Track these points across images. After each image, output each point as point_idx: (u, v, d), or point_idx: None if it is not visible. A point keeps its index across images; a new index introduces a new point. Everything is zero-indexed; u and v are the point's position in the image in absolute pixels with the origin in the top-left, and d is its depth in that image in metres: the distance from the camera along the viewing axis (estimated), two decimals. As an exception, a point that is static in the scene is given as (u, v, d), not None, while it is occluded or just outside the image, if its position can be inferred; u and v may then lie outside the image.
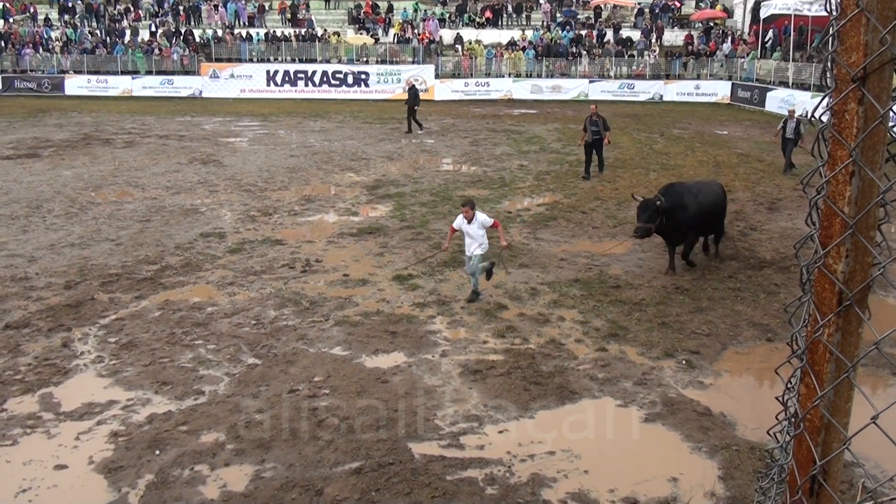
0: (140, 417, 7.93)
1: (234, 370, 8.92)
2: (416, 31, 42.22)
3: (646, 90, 37.84)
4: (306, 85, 38.90)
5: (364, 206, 16.66)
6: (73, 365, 9.14)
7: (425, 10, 43.89)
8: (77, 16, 44.98)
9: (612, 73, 39.11)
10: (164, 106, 34.55)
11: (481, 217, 11.12)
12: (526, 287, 11.52)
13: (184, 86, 39.01)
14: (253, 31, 42.28)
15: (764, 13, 36.19)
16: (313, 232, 14.55)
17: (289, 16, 44.23)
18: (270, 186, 18.25)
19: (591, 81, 38.18)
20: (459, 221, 11.09)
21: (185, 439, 7.50)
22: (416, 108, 26.35)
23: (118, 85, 39.19)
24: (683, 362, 9.17)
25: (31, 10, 46.94)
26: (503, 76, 39.15)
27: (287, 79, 38.95)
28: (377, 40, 41.99)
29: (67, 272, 12.26)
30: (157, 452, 7.28)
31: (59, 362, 9.20)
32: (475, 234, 10.94)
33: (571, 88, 38.02)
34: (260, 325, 10.10)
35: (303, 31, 42.19)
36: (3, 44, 41.63)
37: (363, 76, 37.50)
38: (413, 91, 26.62)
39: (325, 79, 38.90)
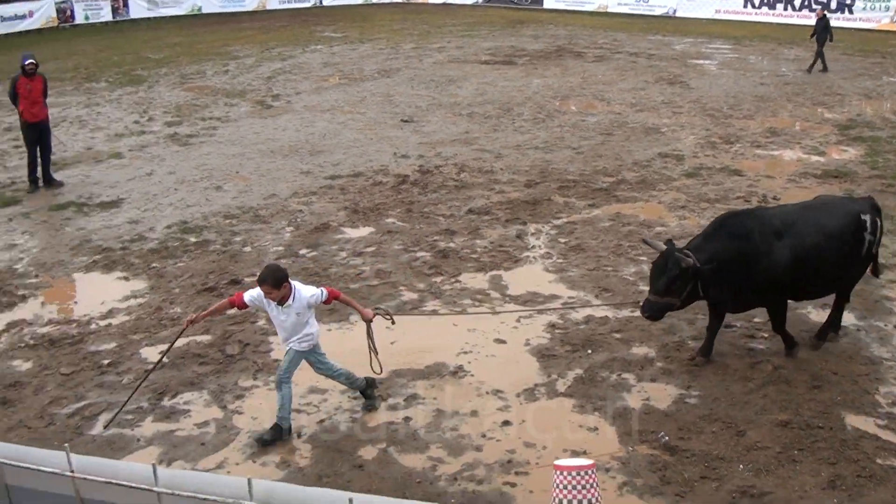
0: (578, 316, 8.34)
1: (673, 292, 8.90)
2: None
3: None
4: (785, 8, 36.14)
5: (832, 146, 15.23)
6: (524, 256, 9.86)
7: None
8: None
9: None
10: (636, 23, 34.69)
11: (306, 294, 6.31)
12: None
13: (659, 4, 38.63)
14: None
15: None
16: (773, 167, 13.71)
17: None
18: (735, 114, 17.52)
19: None
20: (256, 295, 6.35)
21: (617, 346, 7.74)
22: (825, 42, 22.57)
23: (594, 0, 40.19)
24: None
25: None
26: None
27: (765, 1, 36.63)
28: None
29: (529, 172, 13.15)
30: (589, 352, 7.62)
31: (512, 251, 9.99)
32: (289, 326, 6.36)
33: None
34: (705, 253, 9.90)
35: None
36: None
37: (848, 2, 33.71)
38: (822, 21, 22.79)
39: (806, 3, 35.84)
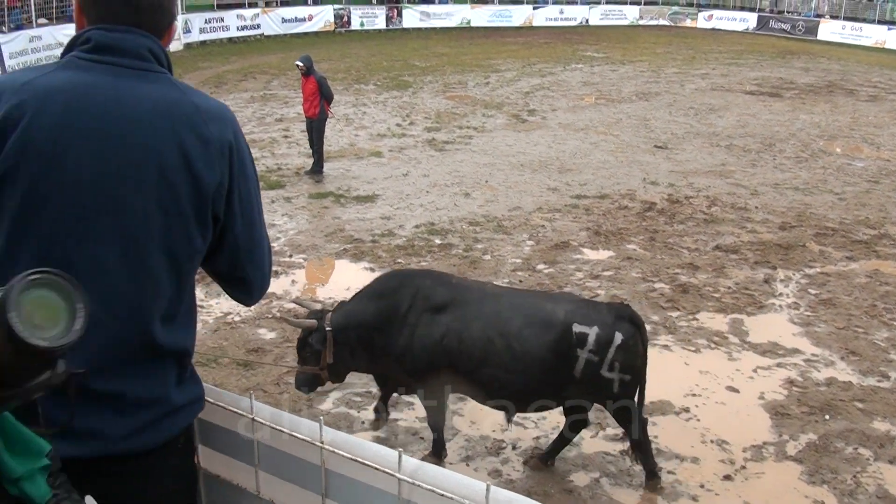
0: (819, 376, 7.81)
1: (928, 365, 8.12)
2: None
3: None
4: None
5: None
6: (769, 302, 9.38)
7: None
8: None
9: None
10: (917, 62, 31.83)
11: None
12: None
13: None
14: None
15: None
16: None
17: None
18: None
19: None
20: None
21: (857, 416, 7.16)
22: None
23: (872, 34, 37.13)
24: None
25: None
26: None
27: None
28: None
29: (786, 214, 12.48)
30: (827, 417, 7.12)
31: (757, 296, 9.54)
32: None
33: None
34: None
35: None
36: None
37: None
38: None
39: None
